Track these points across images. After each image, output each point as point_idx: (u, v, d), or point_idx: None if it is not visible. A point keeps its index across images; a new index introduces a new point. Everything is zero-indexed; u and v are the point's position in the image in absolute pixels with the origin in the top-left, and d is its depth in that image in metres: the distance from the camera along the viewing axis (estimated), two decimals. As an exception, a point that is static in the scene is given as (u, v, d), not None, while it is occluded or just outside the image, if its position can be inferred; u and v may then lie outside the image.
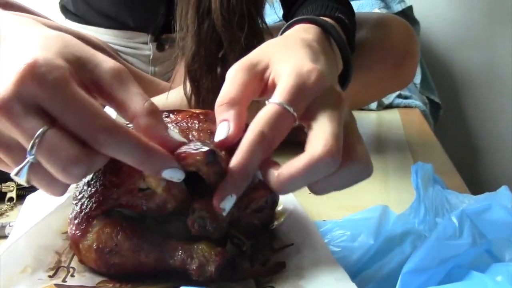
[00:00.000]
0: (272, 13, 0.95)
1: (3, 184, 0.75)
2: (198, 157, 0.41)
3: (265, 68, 0.47)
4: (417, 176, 0.67)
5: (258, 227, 0.49)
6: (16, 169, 0.38)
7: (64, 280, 0.44)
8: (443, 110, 1.78)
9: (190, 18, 0.82)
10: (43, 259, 0.46)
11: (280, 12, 0.95)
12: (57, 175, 0.38)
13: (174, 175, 0.40)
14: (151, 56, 1.14)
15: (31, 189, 0.57)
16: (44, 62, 0.37)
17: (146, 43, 1.13)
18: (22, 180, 0.38)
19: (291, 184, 0.41)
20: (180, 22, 0.84)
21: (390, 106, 1.45)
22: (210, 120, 0.48)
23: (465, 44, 1.97)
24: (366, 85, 0.93)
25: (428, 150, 1.06)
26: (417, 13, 1.84)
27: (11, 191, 0.75)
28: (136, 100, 0.40)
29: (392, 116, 1.36)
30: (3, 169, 0.42)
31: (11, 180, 0.74)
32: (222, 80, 0.84)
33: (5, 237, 0.62)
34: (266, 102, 0.43)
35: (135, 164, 0.39)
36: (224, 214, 0.41)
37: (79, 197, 0.46)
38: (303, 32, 0.59)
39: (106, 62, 0.41)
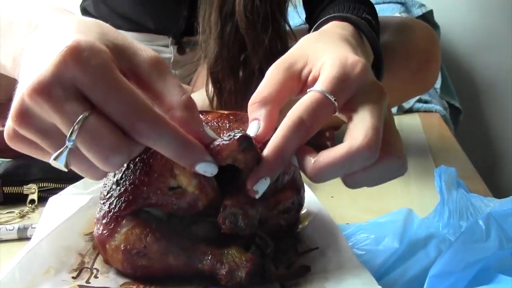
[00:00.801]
0: (295, 17, 0.94)
1: (24, 186, 0.75)
2: (233, 146, 0.40)
3: (304, 66, 0.47)
4: (441, 180, 0.67)
5: (283, 228, 0.49)
6: (55, 154, 0.38)
7: (87, 281, 0.44)
8: (463, 114, 1.76)
9: (213, 20, 0.82)
10: (66, 260, 0.46)
11: (303, 15, 0.94)
12: (96, 162, 0.37)
13: (208, 169, 0.40)
14: (172, 59, 1.14)
15: (53, 191, 0.58)
16: (87, 46, 0.36)
17: (167, 46, 1.13)
18: (61, 165, 0.38)
19: (327, 172, 0.41)
20: (203, 24, 0.84)
21: (410, 111, 1.44)
22: (240, 120, 0.48)
23: (485, 48, 1.95)
24: (388, 89, 0.92)
25: (449, 154, 1.05)
26: (438, 18, 1.82)
27: (33, 193, 0.74)
28: (174, 92, 0.40)
29: (413, 121, 1.35)
30: (37, 157, 0.41)
31: (33, 182, 0.75)
32: (244, 82, 0.84)
33: (27, 239, 0.62)
34: (308, 90, 0.43)
35: (171, 156, 0.39)
36: (257, 196, 0.40)
37: (107, 196, 0.46)
38: (338, 28, 0.59)
39: (145, 51, 0.40)
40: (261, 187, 0.40)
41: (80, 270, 0.45)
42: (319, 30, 0.58)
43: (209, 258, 0.43)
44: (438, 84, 1.68)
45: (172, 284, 0.44)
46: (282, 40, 0.84)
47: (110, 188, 0.46)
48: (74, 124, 0.36)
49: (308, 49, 0.48)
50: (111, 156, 0.37)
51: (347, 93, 0.43)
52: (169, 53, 1.14)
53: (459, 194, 0.64)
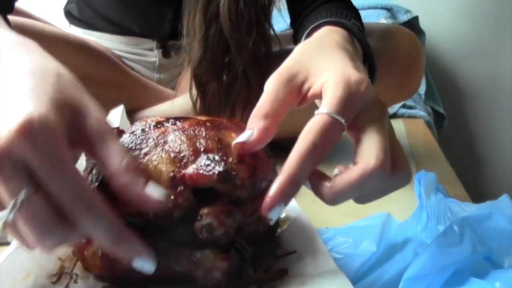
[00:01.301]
0: (280, 21, 0.95)
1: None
2: (213, 179, 0.42)
3: (304, 81, 0.47)
4: (420, 185, 0.68)
5: (262, 233, 0.49)
6: None
7: (67, 286, 0.44)
8: (447, 120, 1.77)
9: (197, 22, 0.83)
10: (45, 265, 0.46)
11: (288, 19, 0.95)
12: (30, 238, 0.38)
13: (145, 266, 0.40)
14: (157, 63, 1.14)
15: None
16: (39, 123, 0.36)
17: (152, 50, 1.13)
18: None
19: (343, 196, 0.42)
20: (188, 27, 0.85)
21: (394, 116, 1.45)
22: (217, 128, 0.48)
23: (470, 55, 1.96)
24: None
25: (431, 159, 1.05)
26: (423, 24, 1.83)
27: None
28: (115, 158, 0.40)
29: (396, 126, 1.34)
30: None
31: None
32: (228, 85, 0.85)
33: (7, 243, 0.62)
34: (315, 112, 0.43)
35: (107, 247, 0.39)
36: (271, 223, 0.41)
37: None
38: (334, 34, 0.58)
39: (95, 114, 0.41)
40: (276, 213, 0.41)
41: (59, 275, 0.45)
42: (316, 37, 0.57)
43: (187, 260, 0.43)
44: (422, 90, 1.68)
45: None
46: (266, 44, 0.85)
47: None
48: (15, 201, 0.36)
49: (309, 62, 0.49)
50: (46, 238, 0.37)
51: (354, 112, 0.44)
52: (154, 56, 1.14)
53: (438, 198, 0.65)
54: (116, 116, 0.73)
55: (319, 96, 0.46)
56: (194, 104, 0.87)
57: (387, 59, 0.92)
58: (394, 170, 0.43)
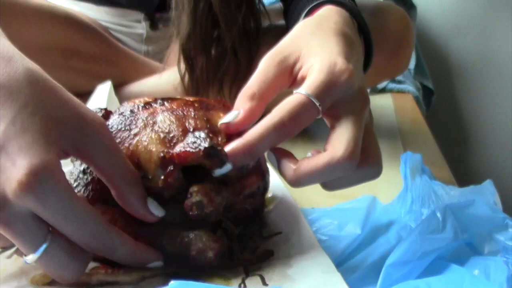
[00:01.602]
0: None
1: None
2: (199, 155, 0.42)
3: (295, 62, 0.48)
4: (406, 166, 0.69)
5: (249, 212, 0.50)
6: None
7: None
8: (436, 96, 1.79)
9: None
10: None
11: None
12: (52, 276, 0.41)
13: (155, 265, 0.44)
14: (144, 35, 1.13)
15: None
16: (42, 176, 0.36)
17: (139, 22, 1.12)
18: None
19: (306, 180, 0.44)
20: (176, 0, 0.84)
21: (383, 91, 1.45)
22: (205, 108, 0.48)
23: (461, 30, 1.96)
24: None
25: (419, 139, 1.06)
26: None
27: None
28: (119, 176, 0.42)
29: (385, 101, 1.35)
30: None
31: None
32: (216, 60, 0.85)
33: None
34: (294, 91, 0.44)
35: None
36: (214, 175, 0.43)
37: (74, 185, 0.46)
38: (335, 16, 0.57)
39: (94, 129, 0.41)
40: (222, 171, 0.43)
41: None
42: (315, 18, 0.57)
43: (179, 240, 0.44)
44: (412, 65, 1.68)
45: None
46: (256, 19, 0.85)
47: (77, 177, 0.46)
48: (35, 254, 0.38)
49: (303, 43, 0.49)
50: (66, 275, 0.40)
51: (332, 99, 0.44)
52: (141, 28, 1.13)
53: (423, 181, 0.66)
54: (104, 92, 0.73)
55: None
56: (182, 78, 0.87)
57: (377, 37, 0.91)
58: (365, 163, 0.45)
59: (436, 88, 1.78)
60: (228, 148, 0.43)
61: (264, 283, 0.43)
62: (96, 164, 0.41)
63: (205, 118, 0.46)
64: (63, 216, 0.38)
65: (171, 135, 0.45)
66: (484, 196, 0.57)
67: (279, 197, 0.56)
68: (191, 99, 0.50)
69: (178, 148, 0.43)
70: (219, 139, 0.45)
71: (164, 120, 0.46)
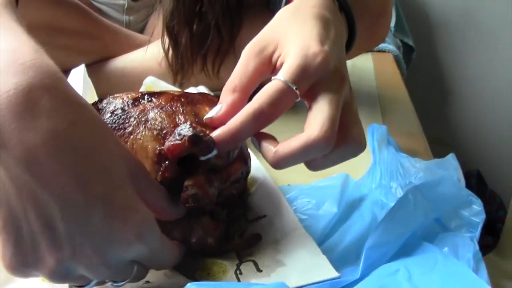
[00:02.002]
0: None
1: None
2: (184, 145, 0.45)
3: (274, 50, 0.50)
4: (373, 139, 0.72)
5: (235, 196, 0.54)
6: None
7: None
8: (416, 53, 1.80)
9: None
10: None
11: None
12: None
13: None
14: (126, 6, 1.14)
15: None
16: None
17: None
18: None
19: (286, 162, 0.46)
20: None
21: (363, 50, 1.45)
22: (191, 103, 0.51)
23: None
24: None
25: (398, 107, 1.06)
26: None
27: None
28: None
29: (365, 62, 1.35)
30: None
31: None
32: (200, 36, 0.86)
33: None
34: (272, 78, 0.46)
35: None
36: (201, 160, 0.46)
37: None
38: (313, 0, 0.58)
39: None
40: (207, 156, 0.46)
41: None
42: (294, 4, 0.57)
43: (181, 228, 0.48)
44: (392, 23, 1.68)
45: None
46: None
47: None
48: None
49: (280, 30, 0.51)
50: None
51: (308, 82, 0.46)
52: None
53: (390, 153, 0.69)
54: (79, 76, 0.74)
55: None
56: (166, 53, 0.89)
57: (358, 10, 0.93)
58: (343, 141, 0.47)
59: (416, 45, 1.80)
60: (212, 135, 0.45)
61: (258, 269, 0.46)
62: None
63: (193, 113, 0.49)
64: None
65: (163, 131, 0.47)
66: (448, 172, 0.61)
67: (260, 179, 0.59)
68: (176, 93, 0.53)
69: (167, 143, 0.46)
70: (207, 132, 0.47)
71: (156, 117, 0.48)
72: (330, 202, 0.58)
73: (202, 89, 0.79)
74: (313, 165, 0.48)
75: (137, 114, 0.49)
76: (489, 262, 1.67)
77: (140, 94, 0.51)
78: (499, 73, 1.98)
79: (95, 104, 0.53)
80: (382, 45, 1.48)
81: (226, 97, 0.48)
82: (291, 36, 0.50)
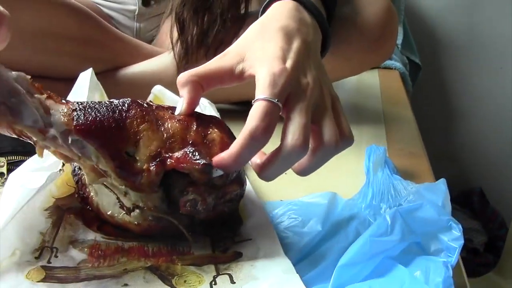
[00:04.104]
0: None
1: (-7, 160, 0.78)
2: (196, 167, 0.50)
3: (239, 61, 0.55)
4: (369, 160, 0.74)
5: (226, 214, 0.57)
6: None
7: (49, 261, 0.50)
8: (423, 70, 1.82)
9: None
10: (29, 241, 0.52)
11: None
12: None
13: None
14: (136, 12, 1.17)
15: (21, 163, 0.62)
16: None
17: None
18: None
19: (271, 172, 0.51)
20: None
21: (371, 66, 1.47)
22: (204, 124, 0.54)
23: (449, 6, 1.98)
24: (344, 59, 0.97)
25: (402, 125, 1.08)
26: None
27: (2, 166, 0.76)
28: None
29: (372, 78, 1.37)
30: None
31: (2, 155, 0.78)
32: (206, 26, 0.91)
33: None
34: (252, 102, 0.50)
35: None
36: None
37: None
38: (278, 13, 0.62)
39: None
40: (214, 174, 0.50)
41: (41, 249, 0.51)
42: (261, 20, 0.62)
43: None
44: (399, 40, 1.71)
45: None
46: None
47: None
48: None
49: (247, 46, 0.56)
50: None
51: (283, 95, 0.51)
52: (133, 5, 1.17)
53: (384, 175, 0.71)
54: (85, 80, 0.76)
55: (251, 78, 0.53)
56: (174, 46, 0.94)
57: (361, 24, 0.95)
58: (319, 145, 0.52)
59: (423, 63, 1.82)
60: (217, 158, 0.50)
61: (232, 281, 0.49)
62: None
63: (202, 134, 0.53)
64: None
65: (172, 139, 0.52)
66: (435, 195, 0.63)
67: (252, 208, 0.61)
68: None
69: (179, 153, 0.51)
70: (214, 152, 0.52)
71: (171, 125, 0.53)
72: (315, 220, 0.60)
73: (203, 100, 0.82)
74: (299, 171, 0.53)
75: (157, 113, 0.54)
76: (489, 281, 1.69)
77: (163, 105, 0.56)
78: (502, 92, 1.99)
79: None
80: (389, 62, 1.50)
81: (182, 91, 0.54)
82: (257, 54, 0.55)
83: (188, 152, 0.50)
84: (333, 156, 0.54)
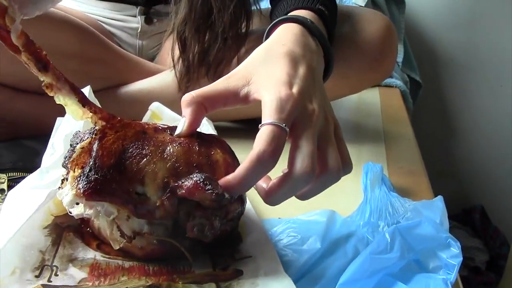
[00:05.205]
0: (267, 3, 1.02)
1: (-7, 176, 0.78)
2: (208, 197, 0.50)
3: (244, 85, 0.55)
4: (367, 178, 0.74)
5: (228, 232, 0.57)
6: None
7: (49, 280, 0.50)
8: (423, 88, 1.84)
9: None
10: (29, 259, 0.52)
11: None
12: None
13: None
14: (139, 29, 1.18)
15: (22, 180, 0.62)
16: None
17: (135, 16, 1.17)
18: None
19: (277, 198, 0.52)
20: None
21: (372, 84, 1.47)
22: (206, 144, 0.54)
23: (449, 24, 2.00)
24: (344, 77, 0.98)
25: (402, 143, 1.09)
26: None
27: (2, 182, 0.76)
28: None
29: (372, 98, 1.38)
30: None
31: (2, 171, 0.78)
32: (207, 44, 0.93)
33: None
34: (259, 126, 0.51)
35: None
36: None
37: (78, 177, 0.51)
38: (284, 36, 0.64)
39: None
40: (220, 198, 0.50)
41: (41, 268, 0.51)
42: (267, 43, 0.63)
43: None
44: (400, 58, 1.72)
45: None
46: (246, 9, 0.92)
47: (81, 173, 0.51)
48: None
49: (253, 70, 0.56)
50: None
51: (290, 120, 0.51)
52: (136, 23, 1.18)
53: (382, 192, 0.72)
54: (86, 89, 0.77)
55: (256, 102, 0.54)
56: (175, 65, 0.95)
57: (361, 43, 0.96)
58: (323, 171, 0.52)
59: (423, 80, 1.84)
60: (223, 181, 0.50)
61: (232, 301, 0.49)
62: None
63: (206, 155, 0.53)
64: None
65: (177, 164, 0.51)
66: (432, 213, 0.63)
67: (252, 226, 0.61)
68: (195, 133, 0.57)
69: (188, 182, 0.50)
70: (218, 174, 0.52)
71: (173, 150, 0.52)
72: (314, 238, 0.60)
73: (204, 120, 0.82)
74: (301, 196, 0.54)
75: (156, 141, 0.53)
76: (491, 300, 1.68)
77: (164, 127, 0.56)
78: (502, 109, 2.00)
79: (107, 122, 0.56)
80: (389, 80, 1.51)
81: (186, 110, 0.53)
82: (263, 78, 0.55)
83: (198, 182, 0.50)
84: (335, 182, 0.54)
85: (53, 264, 0.52)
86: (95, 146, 0.51)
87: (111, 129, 0.53)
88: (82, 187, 0.49)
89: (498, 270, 1.79)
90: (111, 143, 0.52)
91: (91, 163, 0.50)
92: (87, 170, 0.50)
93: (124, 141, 0.52)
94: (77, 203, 0.52)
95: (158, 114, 0.85)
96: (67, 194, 0.51)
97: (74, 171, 0.51)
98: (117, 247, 0.53)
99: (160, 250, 0.53)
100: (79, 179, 0.50)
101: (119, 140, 0.52)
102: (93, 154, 0.50)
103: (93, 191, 0.49)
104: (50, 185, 0.63)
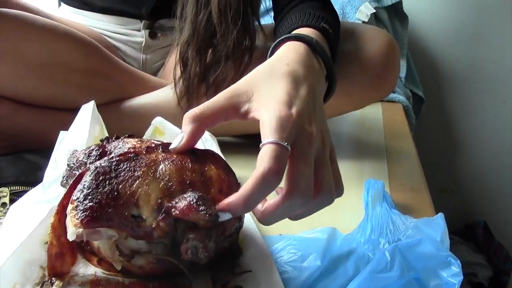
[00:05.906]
0: (270, 19, 1.05)
1: (-4, 189, 0.78)
2: (202, 217, 0.49)
3: (245, 101, 0.55)
4: (368, 195, 0.74)
5: (226, 248, 0.57)
6: None
7: (49, 295, 0.50)
8: (426, 103, 1.83)
9: (189, 7, 0.90)
10: (29, 275, 0.52)
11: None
12: None
13: None
14: (143, 44, 1.19)
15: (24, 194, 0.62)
16: None
17: (139, 30, 1.18)
18: None
19: (272, 219, 0.51)
20: (181, 10, 0.92)
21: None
22: (199, 161, 0.54)
23: (452, 39, 2.00)
24: (346, 94, 0.98)
25: (404, 159, 1.08)
26: (407, 8, 1.83)
27: (5, 196, 0.76)
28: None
29: (375, 114, 1.38)
30: None
31: (5, 185, 0.78)
32: (209, 65, 0.93)
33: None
34: (260, 146, 0.51)
35: None
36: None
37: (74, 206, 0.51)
38: (288, 55, 0.64)
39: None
40: (224, 217, 0.50)
41: (42, 284, 0.51)
42: (270, 61, 0.63)
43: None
44: (403, 73, 1.71)
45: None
46: (250, 33, 0.92)
47: (78, 197, 0.50)
48: None
49: (255, 87, 0.57)
50: None
51: (291, 139, 0.51)
52: (140, 37, 1.18)
53: (383, 209, 0.72)
54: (87, 112, 0.77)
55: (255, 120, 0.54)
56: (176, 84, 0.95)
57: (363, 60, 0.97)
58: (317, 194, 0.52)
59: (426, 96, 1.84)
60: (225, 203, 0.49)
61: (232, 316, 0.49)
62: None
63: (200, 172, 0.53)
64: None
65: (169, 183, 0.51)
66: (433, 230, 0.63)
67: (252, 240, 0.61)
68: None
69: (182, 203, 0.50)
70: (212, 190, 0.52)
71: (165, 169, 0.52)
72: (314, 255, 0.60)
73: (206, 134, 0.82)
74: (293, 217, 0.54)
75: (148, 162, 0.53)
76: (494, 316, 1.66)
77: (155, 145, 0.56)
78: (505, 125, 1.99)
79: (102, 142, 0.57)
80: (392, 95, 1.50)
81: (186, 127, 0.54)
82: (264, 97, 0.55)
83: (192, 203, 0.49)
84: (327, 206, 0.55)
85: (53, 280, 0.52)
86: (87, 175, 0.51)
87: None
88: (79, 217, 0.49)
89: (502, 286, 1.77)
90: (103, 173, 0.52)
91: (84, 192, 0.50)
92: (82, 199, 0.50)
93: (117, 162, 0.52)
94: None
95: (161, 129, 0.85)
96: (68, 227, 0.50)
97: (71, 203, 0.51)
98: (120, 268, 0.53)
99: (159, 268, 0.53)
100: (75, 210, 0.50)
101: (111, 158, 0.52)
102: (86, 185, 0.50)
103: (90, 219, 0.49)
104: (52, 200, 0.63)
